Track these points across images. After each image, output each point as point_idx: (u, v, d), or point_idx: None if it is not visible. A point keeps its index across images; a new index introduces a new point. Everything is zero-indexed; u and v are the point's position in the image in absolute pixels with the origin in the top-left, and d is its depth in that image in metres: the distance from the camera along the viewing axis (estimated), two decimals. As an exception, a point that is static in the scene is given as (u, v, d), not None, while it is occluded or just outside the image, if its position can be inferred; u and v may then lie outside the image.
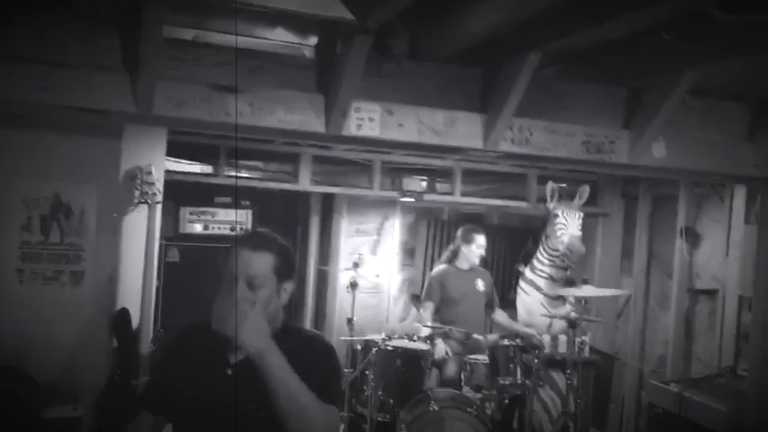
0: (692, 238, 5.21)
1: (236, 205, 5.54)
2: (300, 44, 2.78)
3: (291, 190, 5.56)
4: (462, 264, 5.37)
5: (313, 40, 2.77)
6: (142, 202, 3.91)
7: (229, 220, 5.76)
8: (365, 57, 2.55)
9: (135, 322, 3.90)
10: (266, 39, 2.78)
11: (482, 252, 5.35)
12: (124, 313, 3.90)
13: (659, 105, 2.90)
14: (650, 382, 4.84)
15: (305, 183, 5.54)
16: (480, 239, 5.36)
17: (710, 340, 5.03)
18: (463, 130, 2.91)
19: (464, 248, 5.38)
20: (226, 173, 5.55)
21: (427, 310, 5.31)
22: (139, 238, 3.93)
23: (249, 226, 5.75)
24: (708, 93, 3.14)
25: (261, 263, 1.90)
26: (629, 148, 3.03)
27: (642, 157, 3.04)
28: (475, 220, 6.54)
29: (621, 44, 2.71)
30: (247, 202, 5.68)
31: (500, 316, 5.49)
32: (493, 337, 5.27)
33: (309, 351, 1.96)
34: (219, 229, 5.72)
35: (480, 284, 5.37)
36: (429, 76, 2.92)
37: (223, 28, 2.72)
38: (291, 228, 6.65)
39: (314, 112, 2.71)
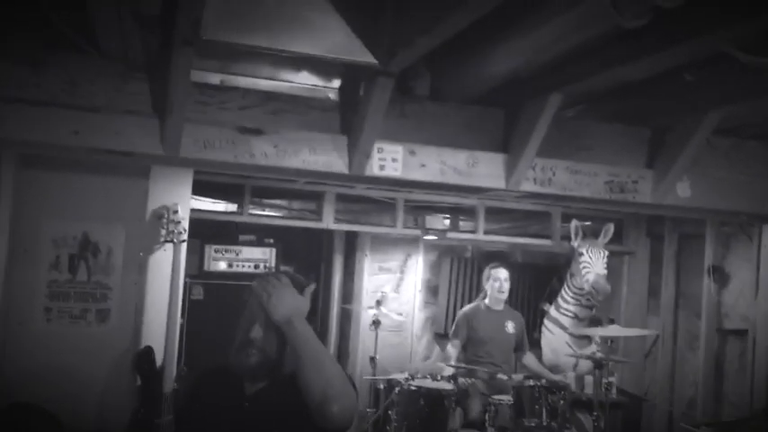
0: (720, 277, 5.13)
1: (237, 240, 5.63)
2: (324, 87, 2.83)
3: (315, 228, 5.60)
4: (492, 303, 5.34)
5: (336, 83, 2.82)
6: (168, 241, 3.96)
7: (254, 258, 5.81)
8: (387, 98, 2.59)
9: (159, 360, 3.91)
10: (291, 82, 2.84)
11: (500, 286, 5.31)
12: (148, 351, 3.92)
13: (683, 145, 2.89)
14: (681, 425, 4.72)
15: (328, 221, 5.58)
16: (497, 273, 5.32)
17: (742, 381, 4.91)
18: (485, 170, 2.92)
19: (488, 287, 5.36)
20: (250, 211, 5.63)
21: (454, 347, 5.26)
22: (165, 276, 3.97)
23: (272, 264, 5.79)
24: (733, 132, 3.13)
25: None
26: (653, 188, 3.01)
27: (667, 197, 3.02)
28: (498, 258, 6.49)
29: (644, 85, 2.71)
30: (271, 240, 5.72)
31: (530, 360, 5.40)
32: (518, 376, 5.20)
33: None
34: (244, 266, 5.76)
35: (510, 327, 5.30)
36: (451, 117, 2.95)
37: (249, 72, 2.79)
38: (315, 266, 6.67)
39: (337, 153, 2.75)
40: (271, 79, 2.82)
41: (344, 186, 5.40)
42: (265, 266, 5.75)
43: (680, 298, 5.61)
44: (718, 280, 5.14)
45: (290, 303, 1.86)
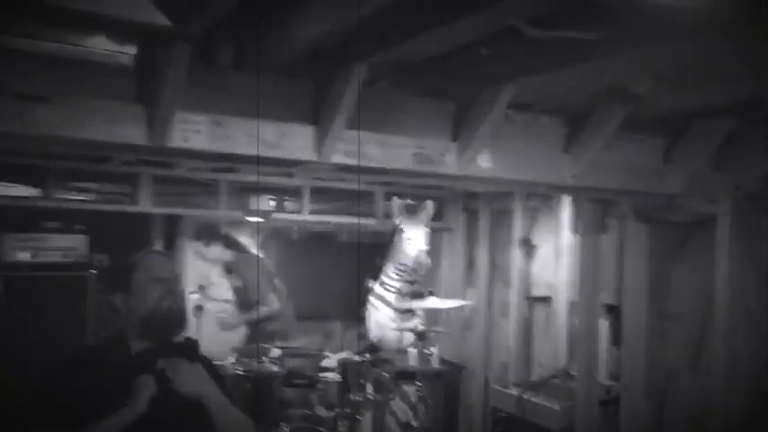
0: (528, 248, 5.51)
1: (41, 227, 5.28)
2: (119, 52, 2.63)
3: (131, 212, 5.30)
4: None
5: (133, 49, 2.64)
6: (-50, 230, 3.56)
7: (61, 246, 5.42)
8: (186, 66, 2.47)
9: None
10: (82, 46, 2.61)
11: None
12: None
13: (483, 119, 3.04)
14: (493, 388, 5.02)
15: (145, 204, 5.30)
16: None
17: (547, 344, 5.32)
18: (295, 142, 2.89)
19: None
20: (56, 195, 5.22)
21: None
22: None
23: (85, 252, 5.44)
24: (528, 107, 3.33)
25: (172, 263, 2.42)
26: (458, 160, 3.14)
27: (470, 168, 3.16)
28: (324, 238, 6.56)
29: (446, 59, 2.81)
30: (82, 227, 5.36)
31: None
32: (344, 354, 5.26)
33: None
34: (51, 256, 5.36)
35: None
36: (260, 88, 2.87)
37: (32, 34, 2.53)
38: (133, 253, 6.31)
39: (134, 124, 2.58)
40: (58, 42, 2.58)
41: (163, 167, 5.17)
42: (76, 255, 5.40)
43: (494, 269, 5.96)
44: (526, 251, 5.51)
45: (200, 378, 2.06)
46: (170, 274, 2.27)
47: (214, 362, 4.74)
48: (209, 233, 5.51)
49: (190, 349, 2.21)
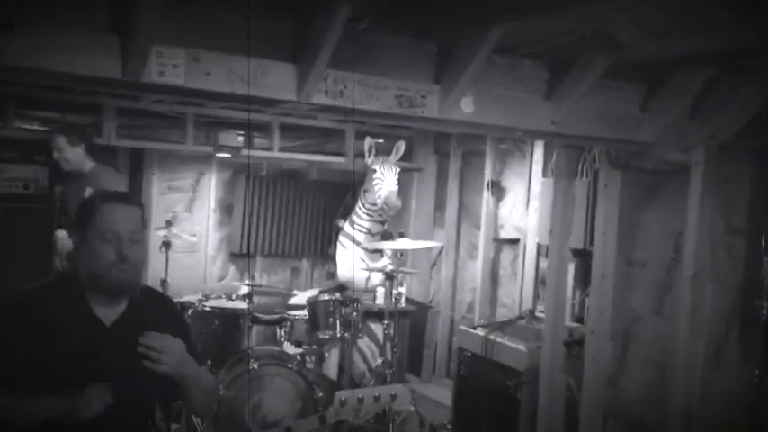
0: (497, 191, 5.54)
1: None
2: (91, -22, 2.48)
3: (95, 144, 5.15)
4: None
5: (106, -25, 2.49)
6: None
7: (22, 177, 5.27)
8: (165, -4, 2.34)
9: None
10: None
11: None
12: None
13: (468, 62, 2.97)
14: (459, 328, 5.12)
15: (109, 136, 5.17)
16: None
17: (513, 286, 5.42)
18: (276, 80, 2.79)
19: None
20: (17, 125, 5.05)
21: None
22: None
23: (45, 184, 5.30)
24: (510, 51, 3.27)
25: (137, 216, 2.04)
26: (440, 103, 3.08)
27: (452, 112, 3.11)
28: (294, 176, 6.49)
29: (431, -3, 2.72)
30: (42, 158, 5.19)
31: None
32: (312, 292, 5.29)
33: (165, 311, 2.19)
34: (10, 187, 5.22)
35: None
36: (239, 23, 2.74)
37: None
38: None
39: (108, 56, 2.45)
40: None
41: (128, 99, 5.01)
42: (37, 186, 5.26)
43: (463, 211, 5.99)
44: (496, 194, 5.55)
45: (184, 358, 2.00)
46: (128, 233, 1.98)
47: (179, 300, 4.77)
48: (75, 132, 4.70)
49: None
